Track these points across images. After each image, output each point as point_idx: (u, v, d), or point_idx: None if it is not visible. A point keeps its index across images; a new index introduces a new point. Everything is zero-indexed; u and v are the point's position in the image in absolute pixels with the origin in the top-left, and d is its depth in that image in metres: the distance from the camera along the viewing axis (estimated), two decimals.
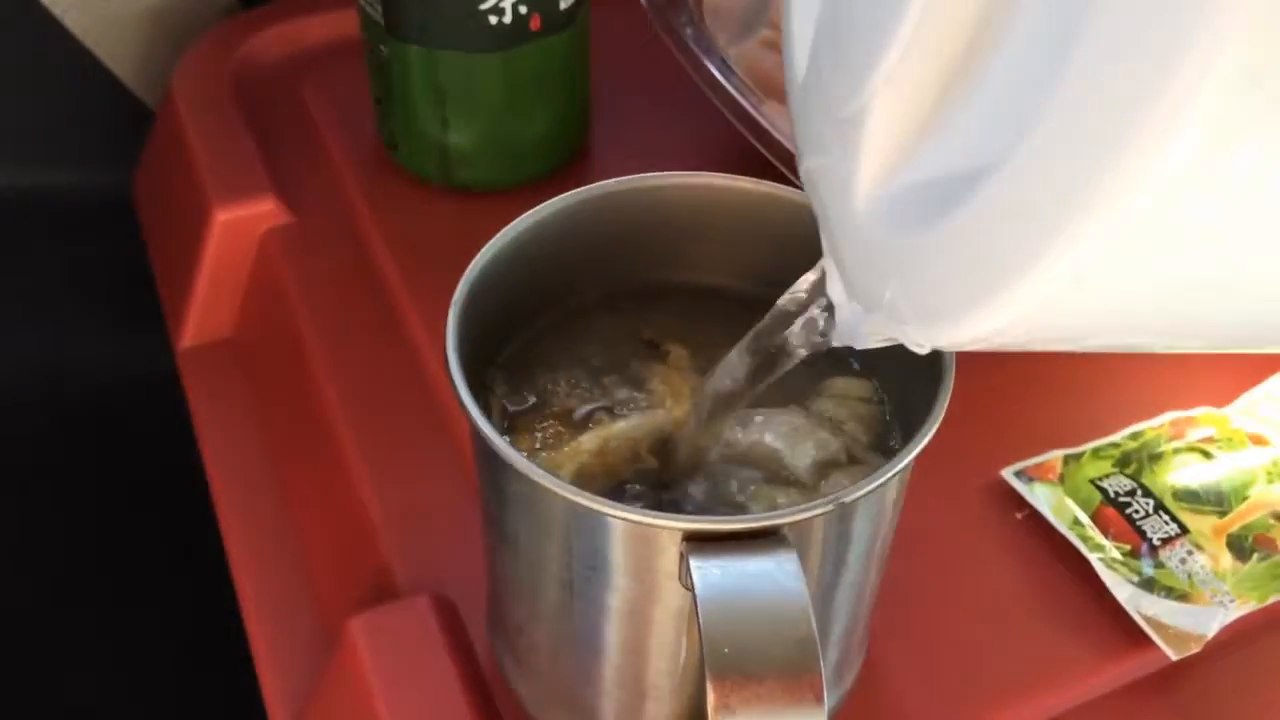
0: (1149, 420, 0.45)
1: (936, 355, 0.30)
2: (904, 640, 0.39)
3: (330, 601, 0.44)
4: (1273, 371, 0.47)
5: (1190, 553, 0.41)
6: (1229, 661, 0.40)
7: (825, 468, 0.33)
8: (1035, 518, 0.42)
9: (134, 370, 0.65)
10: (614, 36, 0.56)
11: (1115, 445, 0.44)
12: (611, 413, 0.34)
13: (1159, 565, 0.40)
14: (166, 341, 0.55)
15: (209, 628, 0.55)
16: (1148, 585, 0.40)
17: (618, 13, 0.56)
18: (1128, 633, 0.39)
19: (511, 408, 0.35)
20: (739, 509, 0.32)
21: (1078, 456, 0.44)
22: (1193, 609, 0.39)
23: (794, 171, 0.30)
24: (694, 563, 0.27)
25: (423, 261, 0.51)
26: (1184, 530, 0.41)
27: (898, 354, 0.26)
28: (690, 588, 0.27)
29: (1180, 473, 0.43)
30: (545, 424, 0.34)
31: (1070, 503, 0.42)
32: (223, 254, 0.54)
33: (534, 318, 0.36)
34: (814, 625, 0.26)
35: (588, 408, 0.35)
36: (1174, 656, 0.39)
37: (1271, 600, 0.40)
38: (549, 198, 0.35)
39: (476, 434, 0.30)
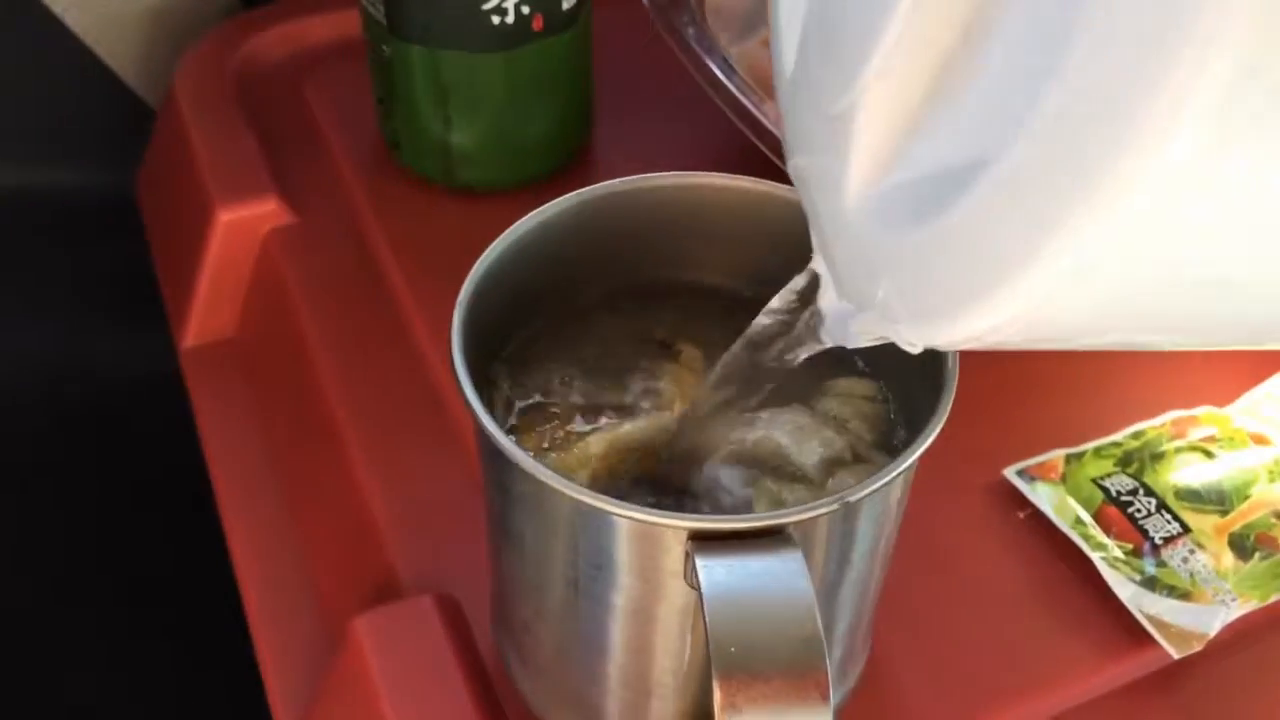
0: (1151, 420, 0.45)
1: (940, 355, 0.30)
2: (907, 639, 0.39)
3: (334, 601, 0.44)
4: (1274, 371, 0.47)
5: (1192, 552, 0.41)
6: (1231, 660, 0.40)
7: (831, 465, 0.33)
8: (1037, 517, 0.42)
9: (136, 370, 0.65)
10: (616, 37, 0.56)
11: (1117, 444, 0.44)
12: (619, 410, 0.35)
13: (1161, 564, 0.40)
14: (169, 341, 0.56)
15: (212, 628, 0.55)
16: (1150, 584, 0.40)
17: (620, 13, 0.56)
18: (1130, 631, 0.39)
19: (518, 402, 0.35)
20: (743, 507, 0.33)
21: (1080, 456, 0.44)
22: (1195, 608, 0.39)
23: None
24: (699, 562, 0.27)
25: (425, 261, 0.51)
26: (1186, 529, 0.41)
27: (901, 353, 0.26)
28: (696, 586, 0.27)
29: (1182, 472, 0.43)
30: (551, 424, 0.34)
31: (1072, 502, 0.42)
32: (225, 254, 0.54)
33: (537, 314, 0.36)
34: (819, 624, 0.26)
35: (594, 405, 0.35)
36: (1176, 655, 0.39)
37: (1273, 599, 0.40)
38: (551, 198, 0.35)
39: (482, 433, 0.30)
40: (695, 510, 0.33)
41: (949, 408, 0.30)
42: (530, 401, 0.35)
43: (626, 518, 0.28)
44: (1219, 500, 0.42)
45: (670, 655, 0.32)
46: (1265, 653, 0.40)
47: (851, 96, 0.25)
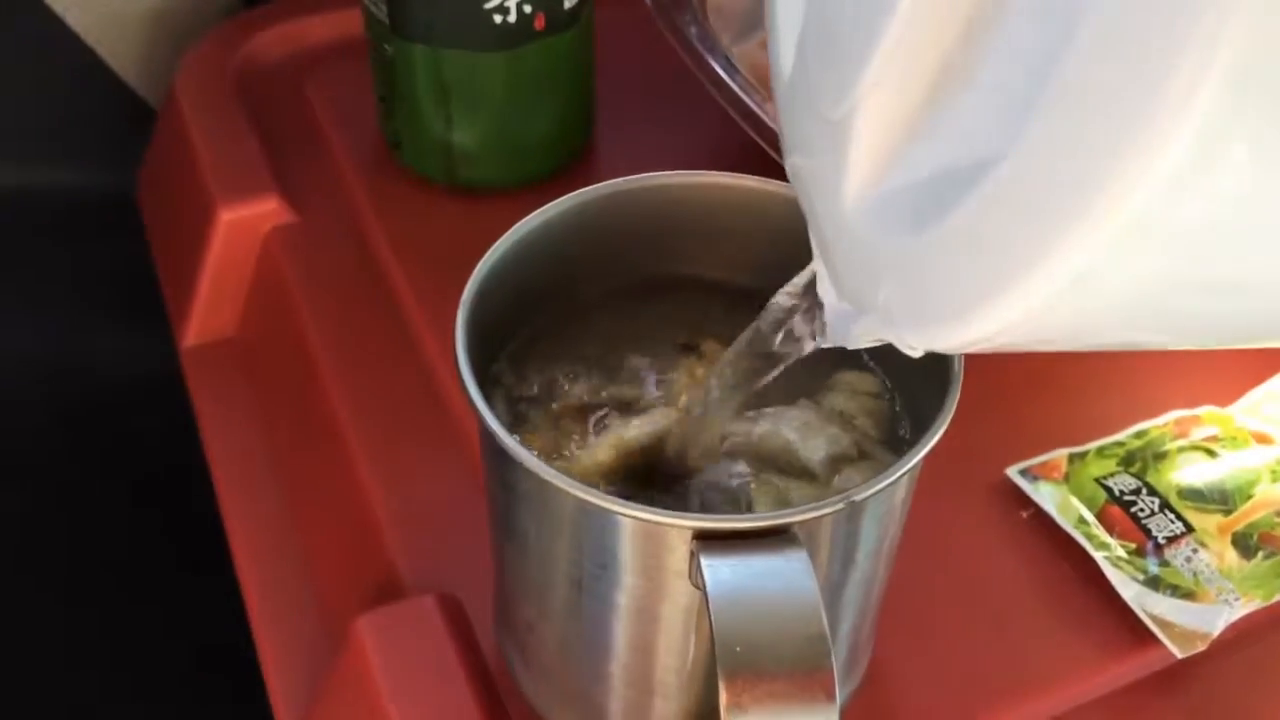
0: (1153, 419, 0.45)
1: (945, 354, 0.30)
2: (910, 638, 0.39)
3: (336, 601, 0.44)
4: (1276, 370, 0.47)
5: (1195, 551, 0.41)
6: (1234, 660, 0.40)
7: (837, 462, 0.33)
8: (1040, 516, 0.42)
9: (137, 369, 0.65)
10: (618, 36, 0.56)
11: (1120, 444, 0.44)
12: (624, 407, 0.34)
13: (1164, 564, 0.40)
14: (170, 340, 0.55)
15: (213, 627, 0.55)
16: (1153, 583, 0.40)
17: (622, 12, 0.56)
18: (1133, 631, 0.39)
19: (521, 400, 0.35)
20: (748, 505, 0.32)
21: (1082, 455, 0.44)
22: (1198, 607, 0.39)
23: None
24: (704, 561, 0.27)
25: (426, 260, 0.51)
26: (1189, 529, 0.41)
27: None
28: (701, 586, 0.27)
29: (1185, 471, 0.43)
30: (556, 421, 0.34)
31: (1075, 501, 0.42)
32: (226, 253, 0.54)
33: (539, 312, 0.36)
34: (825, 623, 0.26)
35: (598, 403, 0.35)
36: (1179, 655, 0.39)
37: (1277, 598, 0.40)
38: (553, 197, 0.35)
39: (486, 432, 0.30)
40: (701, 506, 0.33)
41: (954, 406, 0.30)
42: (533, 399, 0.35)
43: (631, 517, 0.28)
44: (1222, 500, 0.42)
45: (674, 655, 0.32)
46: (1269, 652, 0.40)
47: (850, 101, 0.25)
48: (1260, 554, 0.41)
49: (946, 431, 0.29)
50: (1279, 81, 0.17)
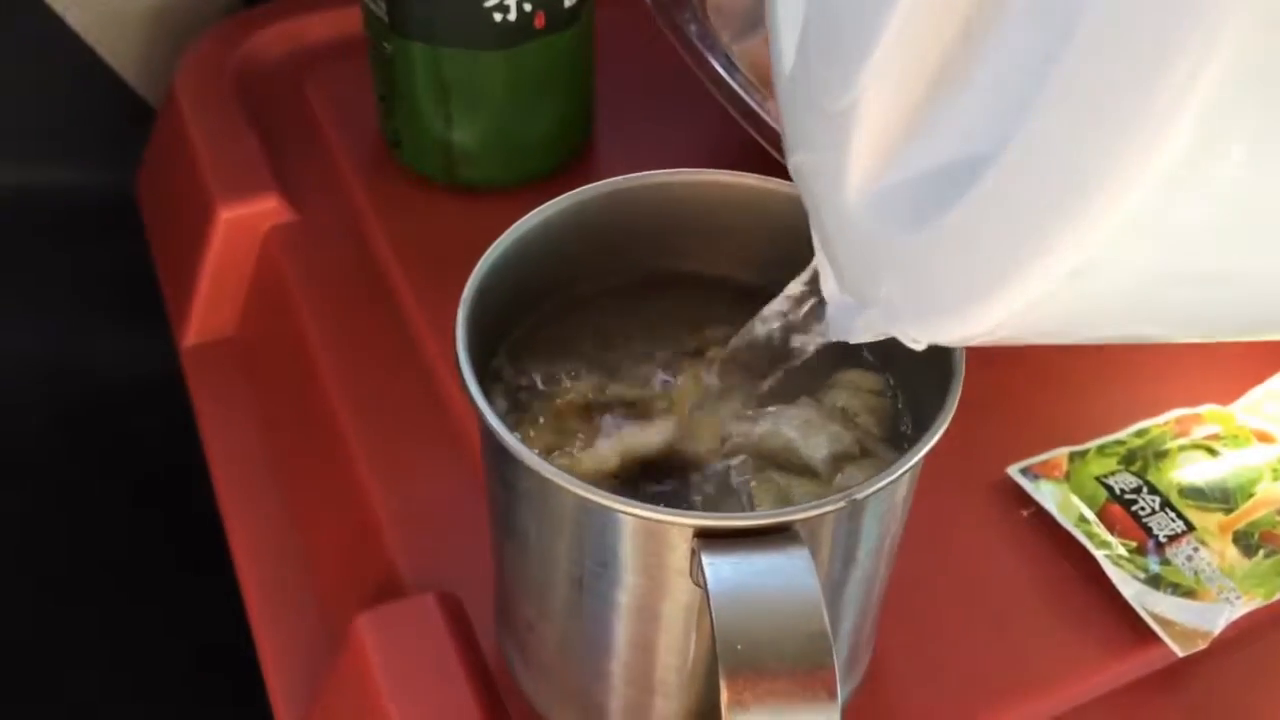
0: (1154, 418, 0.45)
1: (947, 349, 0.30)
2: (911, 636, 0.39)
3: (336, 599, 0.44)
4: (1277, 368, 0.47)
5: (1196, 549, 0.41)
6: (1235, 658, 0.40)
7: (839, 460, 0.33)
8: (1041, 515, 0.42)
9: (137, 369, 0.65)
10: (618, 34, 0.56)
11: (1121, 443, 0.44)
12: (628, 405, 0.34)
13: (1165, 562, 0.40)
14: (170, 340, 0.55)
15: (213, 626, 0.55)
16: (1154, 582, 0.40)
17: (622, 10, 0.56)
18: (1134, 629, 0.39)
19: (520, 396, 0.35)
20: (749, 502, 0.32)
21: (1083, 454, 0.44)
22: (1199, 606, 0.39)
23: None
24: (706, 559, 0.27)
25: (426, 259, 0.51)
26: (1190, 527, 0.41)
27: (907, 347, 0.26)
28: (702, 584, 0.27)
29: (1186, 470, 0.43)
30: (558, 416, 0.34)
31: (1076, 500, 0.42)
32: (226, 252, 0.54)
33: (539, 309, 0.36)
34: (827, 621, 0.26)
35: (600, 401, 0.35)
36: (1180, 653, 0.39)
37: (1278, 597, 0.40)
38: (553, 196, 0.35)
39: (486, 430, 0.30)
40: (702, 504, 0.33)
41: (955, 405, 0.30)
42: (534, 392, 0.35)
43: (632, 515, 0.28)
44: (1223, 498, 0.42)
45: (675, 653, 0.32)
46: (1270, 650, 0.40)
47: (851, 95, 0.25)
48: (1261, 552, 0.41)
49: (947, 430, 0.29)
50: (1275, 78, 0.17)
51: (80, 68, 0.62)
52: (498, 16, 0.48)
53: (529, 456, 0.29)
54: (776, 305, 0.31)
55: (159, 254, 0.59)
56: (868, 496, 0.28)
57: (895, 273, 0.24)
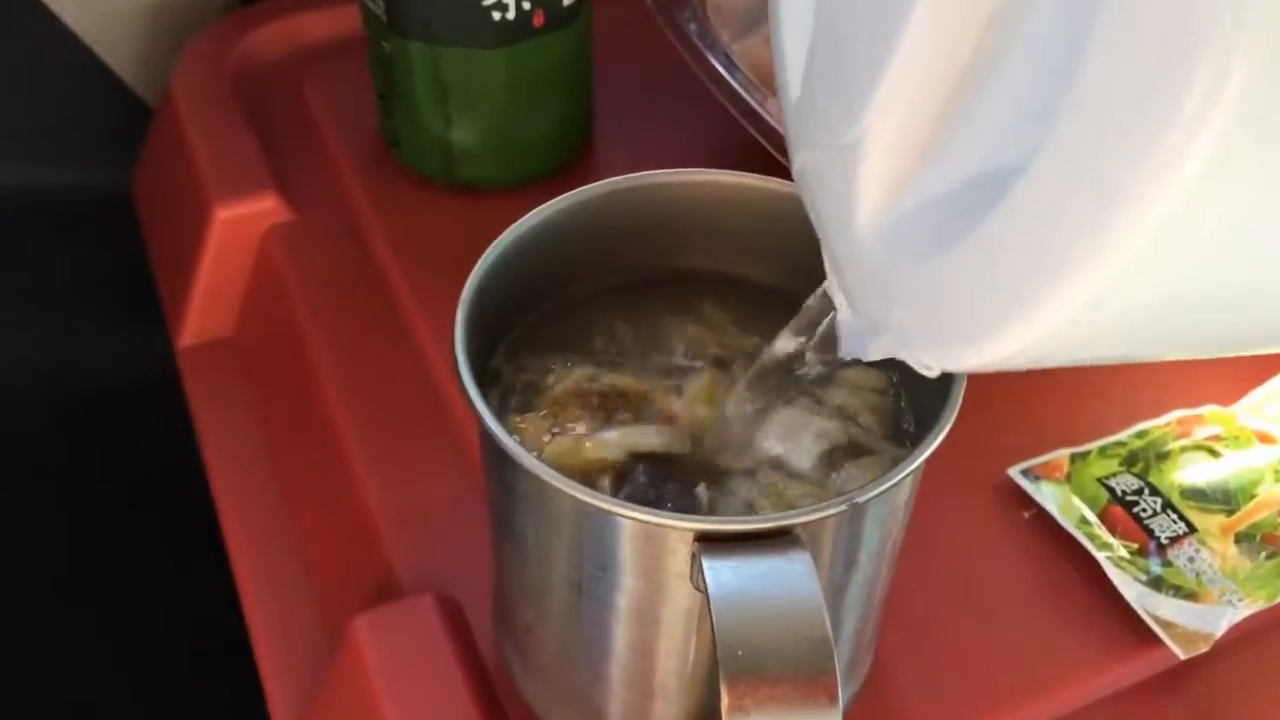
0: (1155, 419, 0.45)
1: None
2: (912, 639, 0.39)
3: (334, 601, 0.44)
4: (1278, 370, 0.47)
5: (1198, 551, 0.41)
6: (1237, 660, 0.39)
7: (832, 457, 0.33)
8: (1042, 516, 0.42)
9: (134, 369, 0.65)
10: (617, 33, 0.56)
11: (1122, 444, 0.44)
12: (629, 399, 0.34)
13: (1167, 564, 0.40)
14: (167, 340, 0.55)
15: (211, 627, 0.55)
16: (1156, 584, 0.40)
17: (621, 9, 0.55)
18: (1136, 632, 0.39)
19: (517, 385, 0.35)
20: (751, 507, 0.32)
21: (1084, 455, 0.43)
22: (1201, 608, 0.39)
23: None
24: (706, 563, 0.27)
25: (425, 259, 0.51)
26: (1192, 529, 0.41)
27: None
28: (702, 588, 0.27)
29: (1187, 471, 0.43)
30: (557, 409, 0.34)
31: (1077, 501, 0.42)
32: (223, 252, 0.53)
33: (538, 309, 0.36)
34: (828, 625, 0.26)
35: (601, 390, 0.34)
36: (1182, 655, 0.38)
37: None
38: (552, 196, 0.35)
39: (485, 432, 0.30)
40: (705, 506, 0.32)
41: (958, 407, 0.29)
42: (532, 386, 0.35)
43: (631, 519, 0.28)
44: (1225, 499, 0.42)
45: (674, 657, 0.31)
46: (1272, 653, 0.40)
47: (858, 130, 0.25)
48: (1263, 554, 0.41)
49: (948, 431, 0.29)
50: None
51: (77, 67, 0.62)
52: (497, 15, 0.48)
53: (527, 459, 0.28)
54: (795, 324, 0.31)
55: (156, 254, 0.59)
56: (869, 500, 0.28)
57: (907, 301, 0.24)
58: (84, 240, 0.65)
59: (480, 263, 0.33)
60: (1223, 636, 0.39)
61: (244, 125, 0.56)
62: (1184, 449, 0.44)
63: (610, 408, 0.34)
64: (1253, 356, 0.47)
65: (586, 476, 0.32)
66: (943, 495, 0.39)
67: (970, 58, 0.23)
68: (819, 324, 0.30)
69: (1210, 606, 0.39)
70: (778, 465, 0.33)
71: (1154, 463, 0.43)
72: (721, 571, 0.27)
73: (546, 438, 0.33)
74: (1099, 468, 0.43)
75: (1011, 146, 0.21)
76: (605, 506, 0.28)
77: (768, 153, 0.45)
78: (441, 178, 0.53)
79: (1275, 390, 0.46)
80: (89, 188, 0.64)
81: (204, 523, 0.49)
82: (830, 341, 0.29)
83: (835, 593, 0.32)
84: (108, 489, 0.67)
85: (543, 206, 0.35)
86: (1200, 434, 0.44)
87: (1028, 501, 0.42)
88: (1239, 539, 0.41)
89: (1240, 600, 0.39)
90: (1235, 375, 0.47)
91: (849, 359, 0.29)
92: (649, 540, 0.29)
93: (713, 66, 0.48)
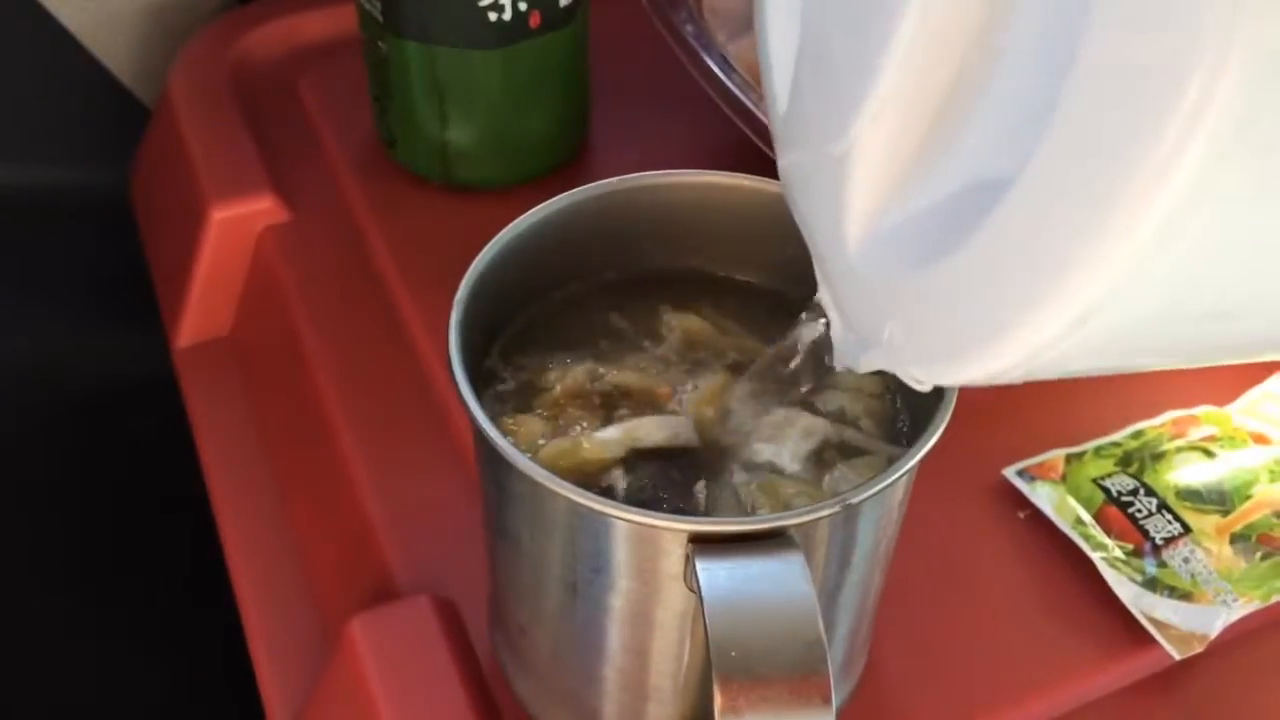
0: (1151, 419, 0.45)
1: None
2: (907, 640, 0.39)
3: (330, 601, 0.44)
4: (1273, 370, 0.47)
5: (1193, 552, 0.41)
6: (1232, 661, 0.40)
7: (824, 455, 0.33)
8: (1038, 517, 0.42)
9: (130, 369, 0.65)
10: (614, 34, 0.56)
11: (1117, 444, 0.44)
12: (631, 396, 0.34)
13: (1162, 564, 0.40)
14: (163, 340, 0.55)
15: (207, 628, 0.55)
16: (1151, 585, 0.40)
17: (618, 10, 0.55)
18: (1131, 632, 0.39)
19: (513, 384, 0.35)
20: (750, 508, 0.32)
21: (1080, 455, 0.43)
22: (1196, 608, 0.39)
23: None
24: (700, 564, 0.27)
25: (421, 260, 0.51)
26: (1187, 529, 0.41)
27: None
28: (696, 590, 0.27)
29: (1182, 472, 0.43)
30: (556, 407, 0.34)
31: (1073, 502, 0.42)
32: (219, 252, 0.53)
33: (534, 308, 0.36)
34: (821, 627, 0.26)
35: (601, 390, 0.34)
36: (1177, 656, 0.38)
37: (1275, 599, 0.40)
38: (548, 196, 0.35)
39: (479, 434, 0.30)
40: (704, 506, 0.32)
41: (952, 408, 0.29)
42: (530, 392, 0.35)
43: (625, 520, 0.28)
44: (1220, 500, 0.42)
45: (669, 659, 0.31)
46: (1267, 653, 0.40)
47: (846, 142, 0.25)
48: (1258, 555, 0.41)
49: (943, 432, 0.29)
50: (1274, 115, 0.17)
51: (74, 67, 0.62)
52: (493, 15, 0.48)
53: (520, 460, 0.28)
54: (790, 334, 0.31)
55: (152, 254, 0.59)
56: (863, 501, 0.28)
57: (899, 317, 0.24)
58: (80, 240, 0.65)
59: (476, 263, 0.33)
60: (1217, 637, 0.39)
61: (240, 125, 0.56)
62: (1179, 449, 0.44)
63: (611, 406, 0.34)
64: None
65: (585, 476, 0.32)
66: (937, 496, 0.39)
67: (958, 70, 0.23)
68: (814, 333, 0.30)
69: (1205, 607, 0.39)
70: (772, 467, 0.33)
71: (1149, 463, 0.43)
72: (715, 573, 0.27)
73: (544, 438, 0.33)
74: (1094, 468, 0.43)
75: (999, 159, 0.21)
76: (598, 508, 0.28)
77: (764, 154, 0.45)
78: (438, 178, 0.53)
79: (1271, 391, 0.46)
80: (86, 188, 0.64)
81: (200, 523, 0.49)
82: (825, 351, 0.30)
83: (829, 594, 0.32)
84: (103, 488, 0.67)
85: (539, 207, 0.35)
86: (1196, 434, 0.44)
87: (1023, 502, 0.42)
88: (1234, 539, 0.41)
89: (1235, 601, 0.39)
90: (1231, 376, 0.47)
91: (840, 368, 0.29)
92: (643, 541, 0.29)
93: (709, 67, 0.48)
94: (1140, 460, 0.43)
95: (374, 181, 0.54)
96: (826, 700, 0.26)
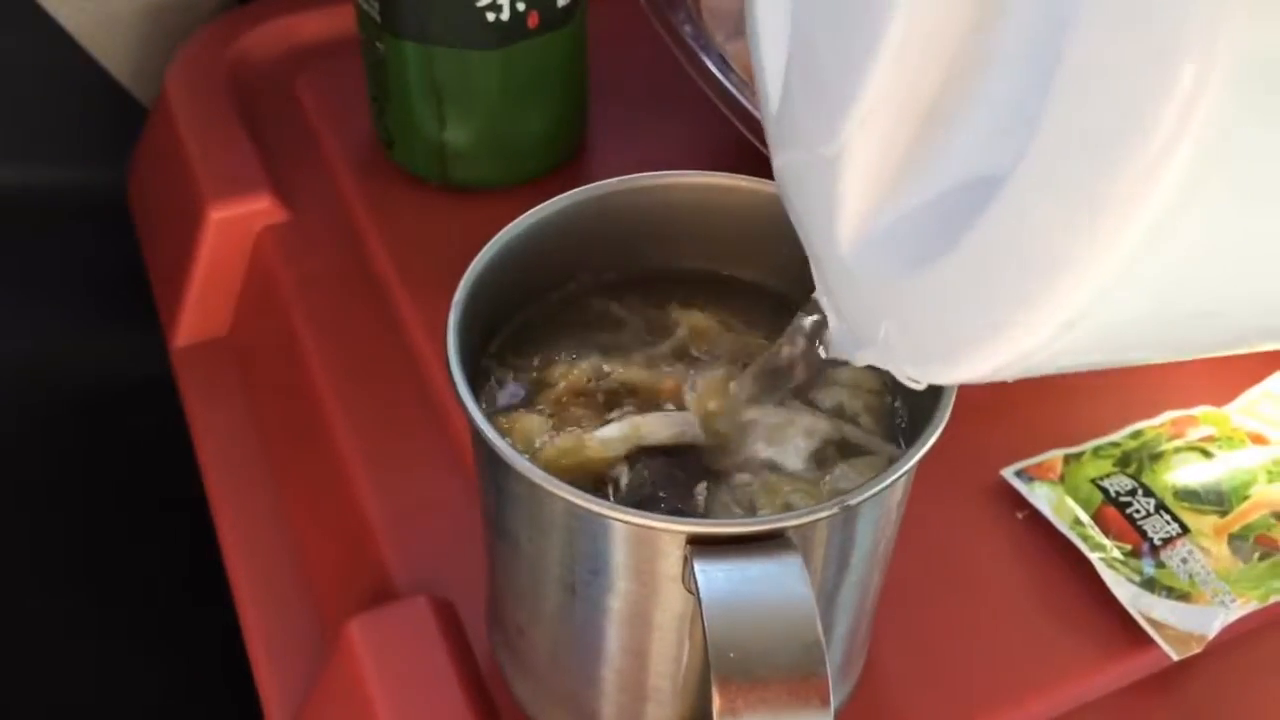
0: (1149, 419, 0.45)
1: None
2: (905, 641, 0.39)
3: (328, 602, 0.44)
4: (1272, 370, 0.47)
5: (1191, 552, 0.41)
6: (1230, 661, 0.40)
7: (825, 454, 0.33)
8: (1036, 517, 0.42)
9: (128, 370, 0.65)
10: (612, 34, 0.56)
11: (1115, 445, 0.44)
12: (635, 393, 0.34)
13: (1160, 565, 0.40)
14: (161, 340, 0.55)
15: (205, 629, 0.54)
16: (1149, 585, 0.40)
17: (616, 10, 0.55)
18: (1129, 633, 0.39)
19: (511, 384, 0.35)
20: (751, 508, 0.32)
21: (1078, 456, 0.43)
22: (1194, 609, 0.39)
23: None
24: (698, 566, 0.27)
25: (419, 260, 0.51)
26: (1185, 530, 0.41)
27: None
28: (694, 591, 0.27)
29: (1181, 472, 0.43)
30: (557, 405, 0.34)
31: (1071, 502, 0.42)
32: (217, 252, 0.53)
33: (532, 307, 0.36)
34: (819, 629, 0.26)
35: (604, 388, 0.34)
36: (1175, 657, 0.38)
37: (1273, 600, 0.40)
38: (546, 197, 0.35)
39: (477, 434, 0.30)
40: (705, 506, 0.32)
41: (950, 409, 0.29)
42: (530, 390, 0.35)
43: (624, 522, 0.28)
44: (1218, 501, 0.42)
45: (667, 660, 0.31)
46: (1265, 654, 0.40)
47: (838, 143, 0.25)
48: (1256, 555, 0.41)
49: (941, 432, 0.29)
50: (1262, 114, 0.17)
51: (73, 67, 0.62)
52: (491, 16, 0.48)
53: (518, 461, 0.28)
54: (788, 331, 0.31)
55: (150, 254, 0.59)
56: (861, 502, 0.28)
57: (893, 317, 0.24)
58: (79, 240, 0.65)
59: (474, 264, 0.33)
60: (1215, 637, 0.39)
61: (238, 126, 0.56)
62: (1177, 450, 0.44)
63: (613, 404, 0.34)
64: (1246, 356, 0.47)
65: (587, 475, 0.32)
66: (936, 496, 0.39)
67: (949, 71, 0.23)
68: (812, 331, 0.30)
69: (1203, 607, 0.39)
70: (774, 466, 0.33)
71: (1147, 464, 0.43)
72: (713, 574, 0.27)
73: (545, 437, 0.33)
74: (1092, 468, 0.43)
75: (991, 160, 0.21)
76: (596, 509, 0.28)
77: (762, 154, 0.45)
78: (436, 178, 0.53)
79: (1269, 391, 0.46)
80: (84, 188, 0.64)
81: (198, 524, 0.49)
82: (823, 347, 0.30)
83: (827, 595, 0.32)
84: (103, 489, 0.67)
85: (537, 208, 0.35)
86: (1194, 435, 0.44)
87: (1021, 502, 0.42)
88: (1232, 540, 0.41)
89: (1233, 601, 0.39)
90: (1229, 376, 0.47)
91: (837, 360, 0.29)
92: (641, 543, 0.29)
93: (707, 67, 0.48)
94: (1138, 461, 0.43)
95: (372, 182, 0.54)
96: (825, 701, 0.26)
